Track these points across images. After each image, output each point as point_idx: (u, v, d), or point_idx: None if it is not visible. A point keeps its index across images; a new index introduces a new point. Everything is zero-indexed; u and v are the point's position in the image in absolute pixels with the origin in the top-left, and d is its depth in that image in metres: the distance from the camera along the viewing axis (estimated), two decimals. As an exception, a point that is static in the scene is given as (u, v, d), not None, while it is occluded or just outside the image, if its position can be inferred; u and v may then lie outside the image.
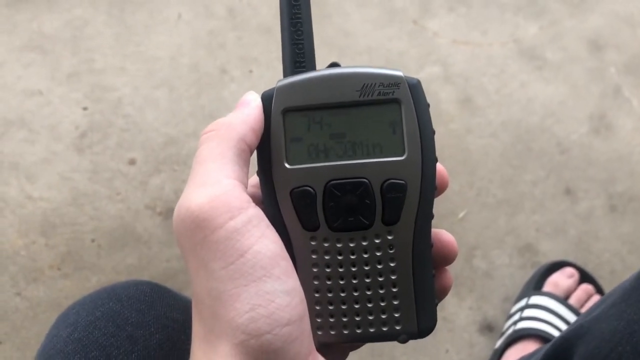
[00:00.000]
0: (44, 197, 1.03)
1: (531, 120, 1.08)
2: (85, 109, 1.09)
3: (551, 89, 1.11)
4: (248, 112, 0.33)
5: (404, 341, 0.36)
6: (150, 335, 0.43)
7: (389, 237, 0.35)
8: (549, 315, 0.87)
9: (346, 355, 0.39)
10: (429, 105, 0.35)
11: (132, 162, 1.06)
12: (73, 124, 1.08)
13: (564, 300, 0.90)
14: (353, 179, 0.34)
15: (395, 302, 0.35)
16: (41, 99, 1.10)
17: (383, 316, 0.35)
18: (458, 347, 0.95)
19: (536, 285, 0.93)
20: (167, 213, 1.02)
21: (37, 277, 0.99)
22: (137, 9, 1.17)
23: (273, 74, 1.10)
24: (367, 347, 0.93)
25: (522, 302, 0.91)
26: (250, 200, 0.32)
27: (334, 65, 0.38)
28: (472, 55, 1.14)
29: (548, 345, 0.51)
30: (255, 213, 0.32)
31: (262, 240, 0.31)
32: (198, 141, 0.33)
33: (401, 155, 0.34)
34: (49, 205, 1.03)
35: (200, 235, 0.30)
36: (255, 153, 0.35)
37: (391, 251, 0.35)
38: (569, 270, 0.93)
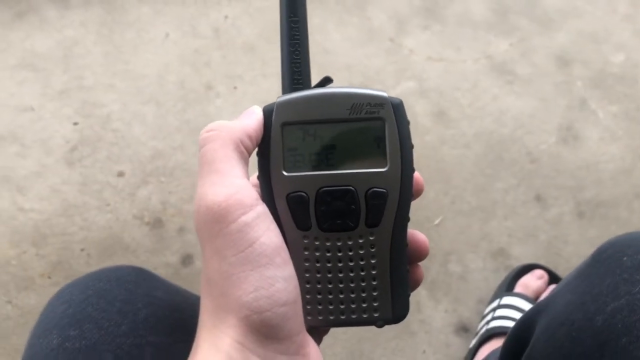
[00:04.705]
0: (35, 208, 1.07)
1: (503, 132, 1.14)
2: (75, 124, 1.13)
3: (521, 102, 1.17)
4: (248, 121, 0.39)
5: (380, 326, 0.41)
6: (138, 310, 0.48)
7: (371, 238, 0.40)
8: (519, 314, 0.91)
9: (325, 333, 0.44)
10: (409, 122, 0.40)
11: (120, 174, 1.10)
12: (63, 138, 1.12)
13: (533, 300, 0.94)
14: (341, 187, 0.39)
15: (374, 293, 0.41)
16: (33, 115, 1.14)
17: (363, 305, 0.41)
18: (435, 347, 0.98)
19: (508, 287, 0.97)
20: (155, 223, 1.06)
21: (28, 285, 1.02)
22: (126, 29, 1.22)
23: (257, 90, 1.15)
24: (348, 348, 0.97)
25: (495, 303, 0.95)
26: (259, 198, 0.37)
27: (327, 79, 0.43)
28: (445, 71, 1.20)
29: (515, 324, 0.56)
30: (263, 210, 0.37)
31: (268, 234, 0.36)
32: (199, 138, 0.38)
33: (384, 167, 0.39)
34: (40, 216, 1.06)
35: (217, 227, 0.36)
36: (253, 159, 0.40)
37: (372, 250, 0.40)
38: (539, 272, 0.98)
